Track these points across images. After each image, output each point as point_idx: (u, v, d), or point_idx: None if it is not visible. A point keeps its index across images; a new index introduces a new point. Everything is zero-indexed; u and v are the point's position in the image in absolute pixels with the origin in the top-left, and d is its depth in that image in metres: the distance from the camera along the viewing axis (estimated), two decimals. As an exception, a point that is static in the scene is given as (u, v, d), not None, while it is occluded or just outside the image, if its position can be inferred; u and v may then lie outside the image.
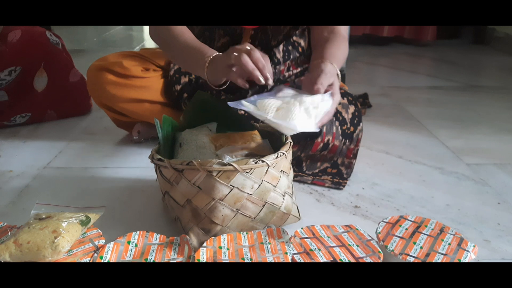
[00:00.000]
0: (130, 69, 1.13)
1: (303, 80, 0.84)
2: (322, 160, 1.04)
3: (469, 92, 1.88)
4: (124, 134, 1.31)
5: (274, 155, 0.74)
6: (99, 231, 0.72)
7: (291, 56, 1.10)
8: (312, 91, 0.78)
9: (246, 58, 0.75)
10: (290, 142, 0.80)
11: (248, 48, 0.78)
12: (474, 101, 1.73)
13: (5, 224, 0.74)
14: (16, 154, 1.20)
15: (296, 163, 1.03)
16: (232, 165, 0.70)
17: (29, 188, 1.00)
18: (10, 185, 1.01)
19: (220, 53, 0.84)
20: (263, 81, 0.76)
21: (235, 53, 0.77)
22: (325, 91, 0.80)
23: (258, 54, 0.77)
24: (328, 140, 1.00)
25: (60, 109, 1.47)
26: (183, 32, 0.95)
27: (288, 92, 0.81)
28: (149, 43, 3.07)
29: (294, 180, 1.00)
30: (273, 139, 0.86)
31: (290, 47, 1.09)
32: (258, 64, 0.76)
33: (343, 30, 1.00)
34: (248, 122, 0.93)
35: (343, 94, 1.05)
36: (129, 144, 1.26)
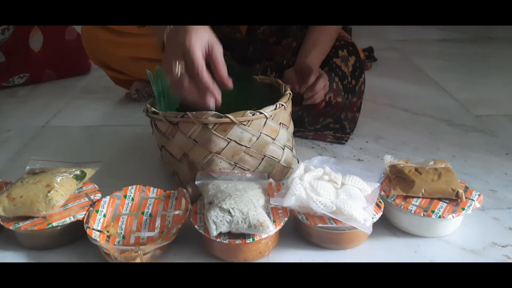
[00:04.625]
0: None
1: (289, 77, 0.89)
2: (325, 116, 1.00)
3: (480, 43, 1.81)
4: (123, 93, 1.29)
5: (273, 107, 0.71)
6: (95, 185, 0.71)
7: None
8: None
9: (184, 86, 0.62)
10: (290, 94, 0.77)
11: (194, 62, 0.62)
12: (485, 53, 1.67)
13: (1, 180, 0.73)
14: (14, 114, 1.19)
15: (298, 118, 1.00)
16: (229, 117, 0.68)
17: (28, 146, 0.99)
18: (8, 144, 1.00)
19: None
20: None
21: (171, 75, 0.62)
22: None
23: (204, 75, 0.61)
24: (330, 97, 0.96)
25: (58, 68, 1.44)
26: None
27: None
28: None
29: (295, 135, 0.97)
30: (272, 91, 0.83)
31: None
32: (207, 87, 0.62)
33: None
34: (247, 73, 0.89)
35: (343, 45, 1.00)
36: (128, 102, 1.24)
